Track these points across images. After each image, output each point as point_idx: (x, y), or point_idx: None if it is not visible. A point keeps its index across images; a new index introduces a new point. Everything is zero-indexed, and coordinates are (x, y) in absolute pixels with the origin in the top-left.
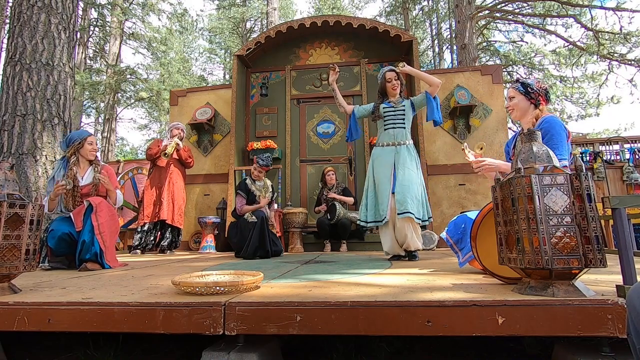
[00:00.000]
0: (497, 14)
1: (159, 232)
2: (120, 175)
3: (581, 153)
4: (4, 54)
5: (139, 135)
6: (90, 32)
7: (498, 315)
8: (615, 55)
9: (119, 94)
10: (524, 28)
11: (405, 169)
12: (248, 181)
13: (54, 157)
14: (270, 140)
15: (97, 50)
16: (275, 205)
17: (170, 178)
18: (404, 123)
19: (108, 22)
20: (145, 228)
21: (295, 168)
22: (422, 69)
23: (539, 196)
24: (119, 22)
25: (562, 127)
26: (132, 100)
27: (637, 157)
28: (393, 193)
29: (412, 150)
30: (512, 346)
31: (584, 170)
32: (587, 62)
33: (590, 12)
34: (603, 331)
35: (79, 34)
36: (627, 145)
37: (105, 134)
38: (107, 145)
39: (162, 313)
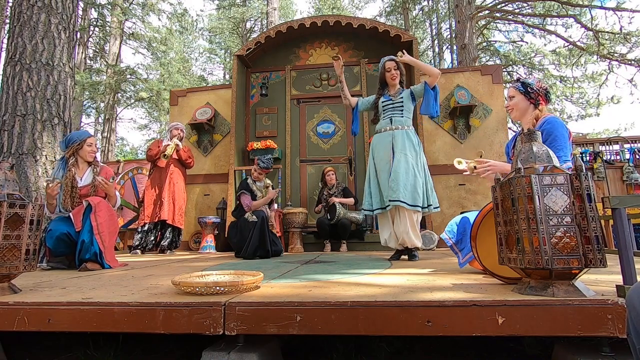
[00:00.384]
0: (497, 14)
1: (160, 232)
2: (120, 175)
3: (581, 153)
4: (4, 54)
5: (139, 135)
6: (90, 32)
7: (498, 315)
8: (615, 55)
9: (119, 94)
10: (524, 28)
11: (401, 155)
12: (249, 181)
13: (54, 157)
14: (270, 140)
15: (97, 50)
16: (275, 205)
17: (171, 178)
18: (402, 112)
19: (108, 22)
20: (146, 228)
21: (295, 168)
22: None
23: (539, 196)
24: (119, 22)
25: (564, 127)
26: (132, 100)
27: (637, 157)
28: None
29: (411, 135)
30: (512, 346)
31: (584, 170)
32: (587, 62)
33: (590, 12)
34: (603, 331)
35: (79, 34)
36: (627, 145)
37: (105, 134)
38: (107, 145)
39: (162, 313)
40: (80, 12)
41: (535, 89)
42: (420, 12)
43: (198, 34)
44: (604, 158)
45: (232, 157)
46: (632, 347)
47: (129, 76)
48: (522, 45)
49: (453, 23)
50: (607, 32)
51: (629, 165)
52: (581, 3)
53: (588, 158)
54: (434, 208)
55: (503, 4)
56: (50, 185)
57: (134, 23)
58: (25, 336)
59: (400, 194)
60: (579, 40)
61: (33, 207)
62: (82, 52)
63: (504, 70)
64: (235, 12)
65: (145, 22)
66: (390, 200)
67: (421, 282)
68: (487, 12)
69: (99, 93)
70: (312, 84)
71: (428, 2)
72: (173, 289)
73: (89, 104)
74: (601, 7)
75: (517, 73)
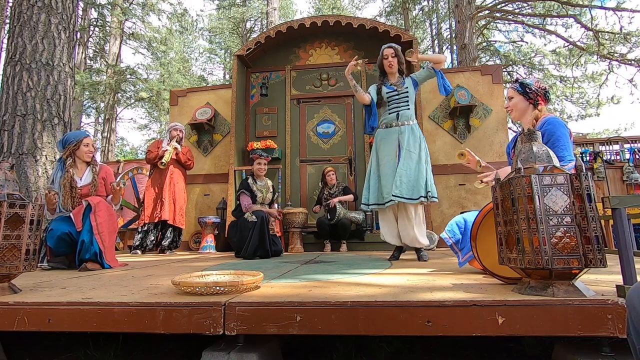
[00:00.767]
0: (497, 14)
1: (160, 232)
2: (120, 176)
3: (581, 153)
4: (4, 54)
5: (139, 135)
6: (90, 32)
7: (498, 315)
8: (615, 55)
9: (119, 94)
10: (524, 28)
11: (407, 153)
12: (250, 181)
13: (54, 157)
14: (270, 140)
15: (97, 50)
16: (276, 205)
17: (171, 178)
18: (408, 104)
19: (108, 22)
20: (146, 228)
21: (295, 168)
22: (422, 68)
23: (539, 196)
24: (119, 22)
25: (565, 127)
26: (132, 100)
27: (637, 157)
28: None
29: (416, 131)
30: (512, 346)
31: (584, 170)
32: (587, 62)
33: (590, 12)
34: (603, 331)
35: (79, 34)
36: (627, 145)
37: (105, 134)
38: (107, 145)
39: (162, 313)
40: (80, 12)
41: (534, 89)
42: (420, 12)
43: (198, 34)
44: (604, 158)
45: (232, 157)
46: (632, 347)
47: (129, 76)
48: (522, 45)
49: (453, 23)
50: (607, 32)
51: (629, 165)
52: (581, 3)
53: (588, 158)
54: (432, 197)
55: (503, 4)
56: (48, 194)
57: (134, 23)
58: (25, 336)
59: (403, 192)
60: (579, 40)
61: (33, 207)
62: (82, 52)
63: (504, 70)
64: (235, 12)
65: (145, 22)
66: (393, 195)
67: (421, 282)
68: (487, 12)
69: (99, 93)
70: (312, 84)
71: (428, 2)
72: (173, 289)
73: (89, 104)
74: (601, 7)
75: (517, 73)
